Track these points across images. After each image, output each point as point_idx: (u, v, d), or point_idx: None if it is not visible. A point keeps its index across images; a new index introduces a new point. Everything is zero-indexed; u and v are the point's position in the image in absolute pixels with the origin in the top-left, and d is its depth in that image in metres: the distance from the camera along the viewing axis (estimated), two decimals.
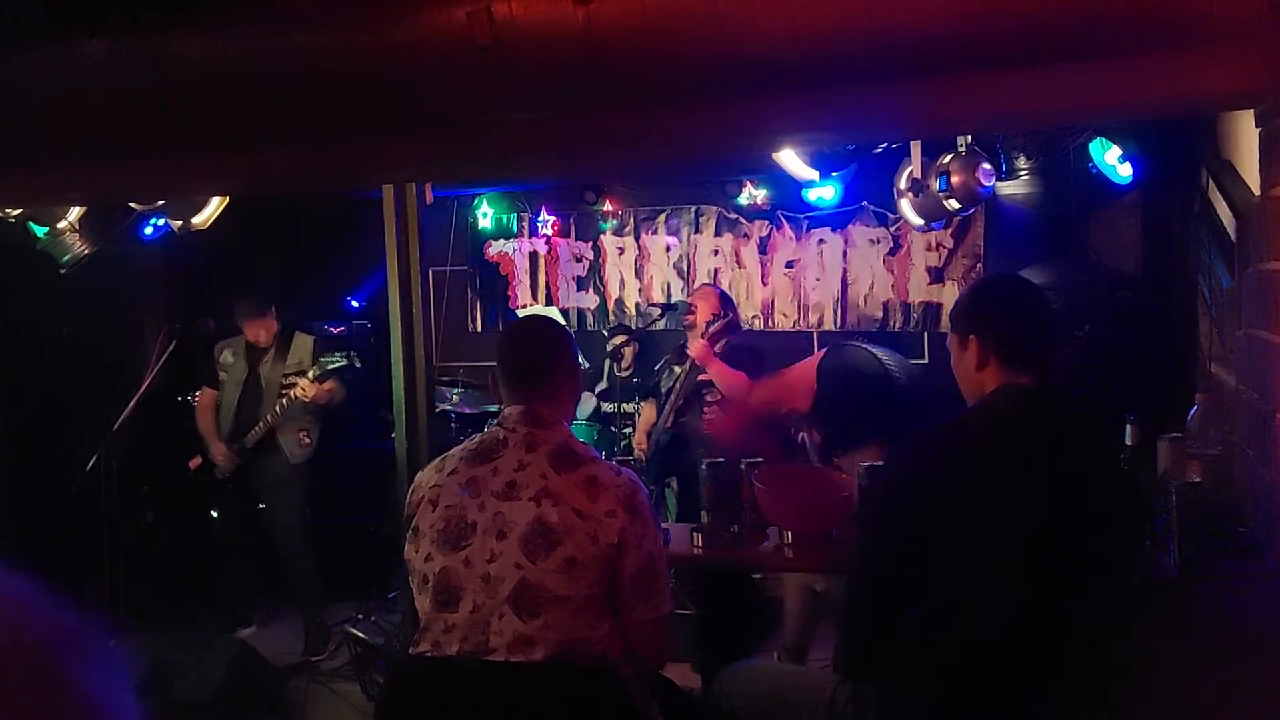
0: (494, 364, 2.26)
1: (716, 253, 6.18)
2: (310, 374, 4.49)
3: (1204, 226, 3.53)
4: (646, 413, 5.00)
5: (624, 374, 5.44)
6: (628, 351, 5.51)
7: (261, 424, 4.61)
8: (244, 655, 3.86)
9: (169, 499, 5.17)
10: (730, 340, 4.45)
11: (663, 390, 4.79)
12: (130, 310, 5.65)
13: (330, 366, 4.50)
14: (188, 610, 4.96)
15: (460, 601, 1.98)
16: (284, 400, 4.54)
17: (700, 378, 4.44)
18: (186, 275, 5.64)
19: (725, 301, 4.63)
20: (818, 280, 5.89)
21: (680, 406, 4.56)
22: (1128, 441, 2.90)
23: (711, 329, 4.35)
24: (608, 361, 5.55)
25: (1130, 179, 4.47)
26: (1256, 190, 2.57)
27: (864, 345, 4.16)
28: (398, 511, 2.22)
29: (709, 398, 4.47)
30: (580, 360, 2.40)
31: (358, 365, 4.59)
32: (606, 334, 5.95)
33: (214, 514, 4.85)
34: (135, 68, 2.61)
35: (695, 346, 4.34)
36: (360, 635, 4.24)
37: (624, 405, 5.34)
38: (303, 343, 4.72)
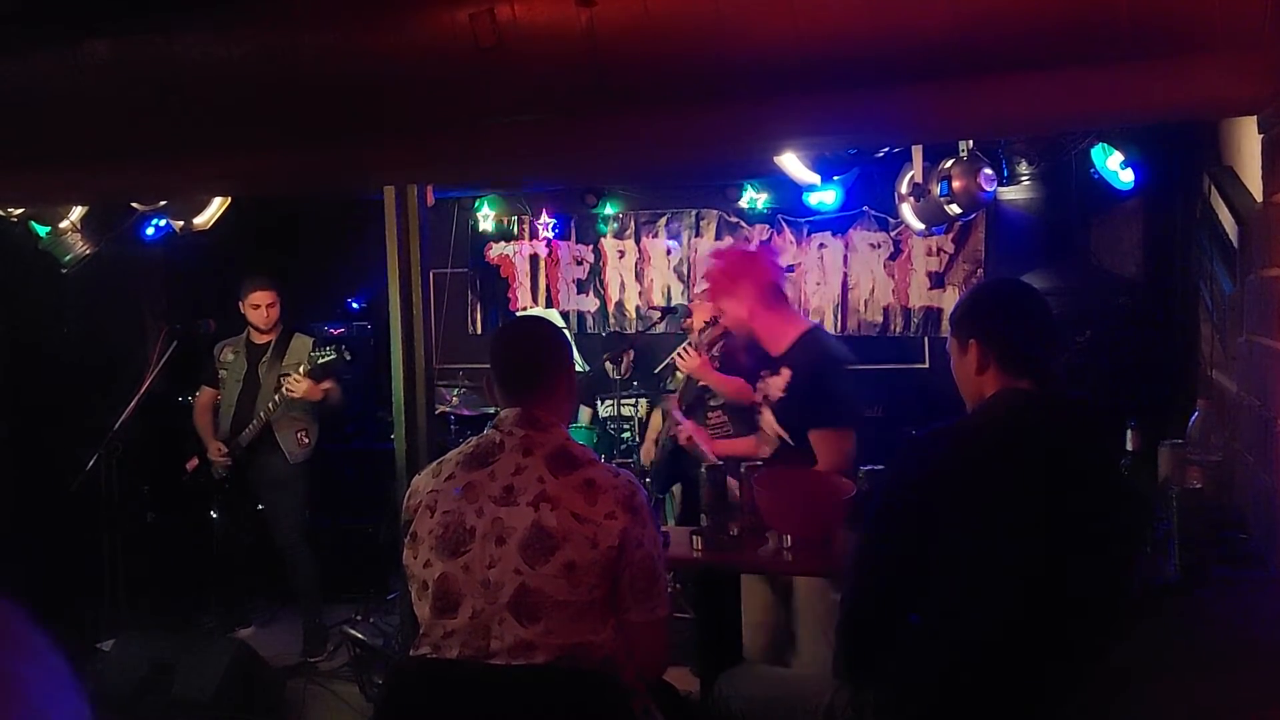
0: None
1: None
2: (302, 369, 4.50)
3: (1206, 232, 3.53)
4: (655, 421, 4.98)
5: (622, 376, 5.43)
6: (625, 357, 5.51)
7: (256, 421, 4.61)
8: (243, 656, 3.85)
9: (169, 499, 5.17)
10: (726, 343, 4.43)
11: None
12: (130, 310, 5.65)
13: (321, 360, 4.50)
14: (187, 610, 4.97)
15: (460, 607, 1.97)
16: (277, 397, 4.54)
17: (701, 383, 4.43)
18: (187, 275, 5.64)
19: None
20: (818, 284, 5.90)
21: (683, 413, 4.54)
22: (1128, 447, 2.89)
23: (704, 337, 4.32)
24: (608, 364, 5.54)
25: (1132, 185, 4.47)
26: (1258, 196, 2.57)
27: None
28: (397, 513, 2.22)
29: (713, 402, 4.46)
30: (577, 360, 2.39)
31: (348, 358, 4.58)
32: (604, 344, 5.95)
33: (213, 514, 4.85)
34: (137, 68, 2.61)
35: (689, 362, 4.31)
36: (359, 636, 4.24)
37: (623, 407, 5.34)
38: (301, 343, 4.72)
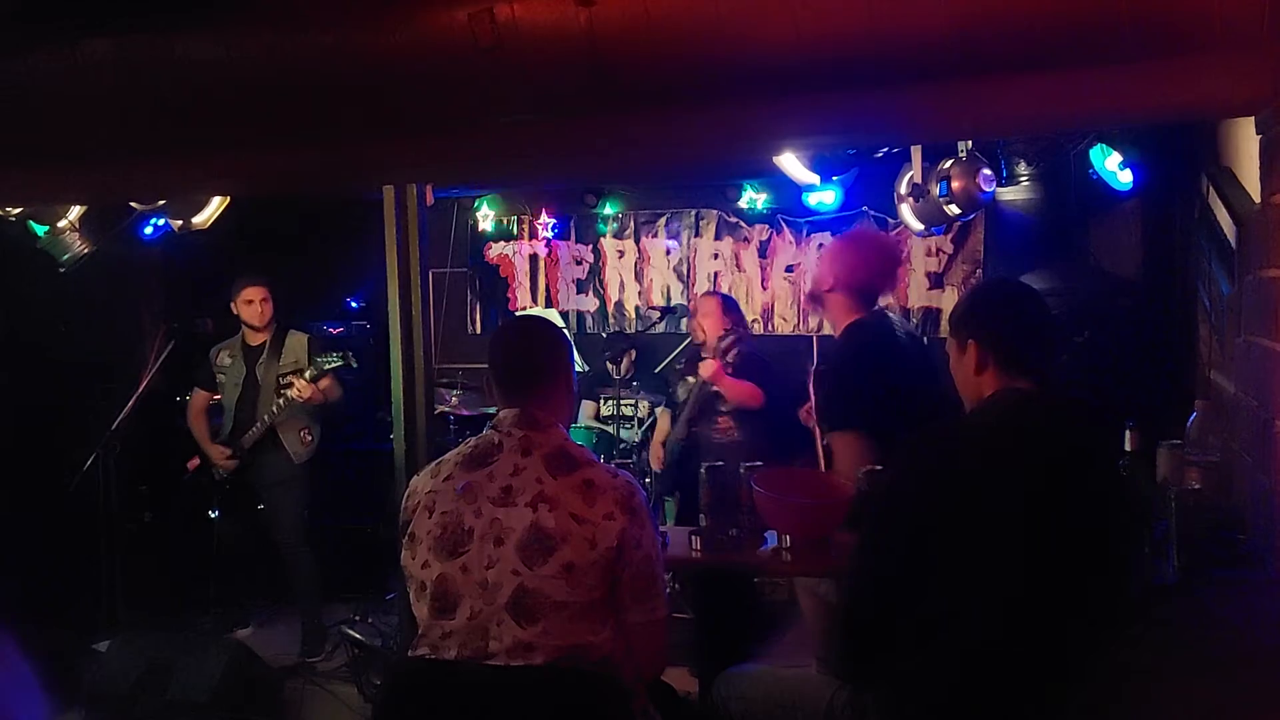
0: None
1: (716, 256, 6.19)
2: (307, 374, 4.50)
3: (1204, 233, 3.53)
4: (662, 423, 4.99)
5: (623, 376, 5.44)
6: (626, 357, 5.52)
7: (259, 424, 4.61)
8: (241, 656, 3.85)
9: (167, 499, 5.17)
10: (741, 349, 4.45)
11: (678, 400, 4.81)
12: (130, 310, 5.65)
13: (327, 366, 4.50)
14: (185, 611, 4.96)
15: (458, 608, 1.97)
16: (280, 400, 4.54)
17: (713, 388, 4.45)
18: (186, 275, 5.64)
19: (730, 310, 4.63)
20: None
21: (694, 417, 4.58)
22: (1127, 447, 2.89)
23: (724, 346, 4.33)
24: (608, 364, 5.56)
25: (1131, 185, 4.47)
26: (1257, 197, 2.57)
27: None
28: (396, 513, 2.22)
29: (722, 408, 4.49)
30: (576, 360, 2.38)
31: (354, 365, 4.58)
32: (605, 343, 5.96)
33: (212, 514, 4.84)
34: (138, 67, 2.61)
35: (706, 368, 4.33)
36: (358, 637, 4.24)
37: (623, 406, 5.34)
38: (297, 341, 4.72)
